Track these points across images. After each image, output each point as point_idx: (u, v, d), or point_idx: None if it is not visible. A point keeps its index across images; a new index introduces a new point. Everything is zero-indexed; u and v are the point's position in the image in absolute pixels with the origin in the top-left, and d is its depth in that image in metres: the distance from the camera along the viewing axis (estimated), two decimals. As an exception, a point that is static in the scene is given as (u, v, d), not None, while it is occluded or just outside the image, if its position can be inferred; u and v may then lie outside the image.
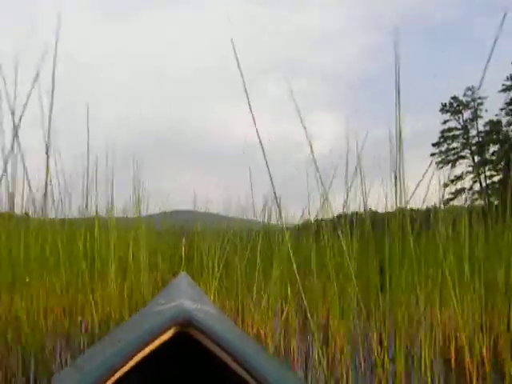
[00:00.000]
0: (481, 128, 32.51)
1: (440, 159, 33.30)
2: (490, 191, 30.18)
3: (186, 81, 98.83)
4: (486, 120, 32.09)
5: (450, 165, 32.91)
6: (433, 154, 33.26)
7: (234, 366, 0.93)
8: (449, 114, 33.14)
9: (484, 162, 31.66)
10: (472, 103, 32.43)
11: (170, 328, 0.97)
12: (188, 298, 1.25)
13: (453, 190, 30.55)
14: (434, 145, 33.25)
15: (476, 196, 30.19)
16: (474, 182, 31.92)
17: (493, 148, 32.17)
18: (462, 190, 31.93)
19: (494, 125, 31.58)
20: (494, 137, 31.38)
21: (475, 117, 32.41)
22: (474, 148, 32.49)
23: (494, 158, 31.78)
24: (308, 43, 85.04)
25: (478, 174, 31.53)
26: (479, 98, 32.27)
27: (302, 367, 2.82)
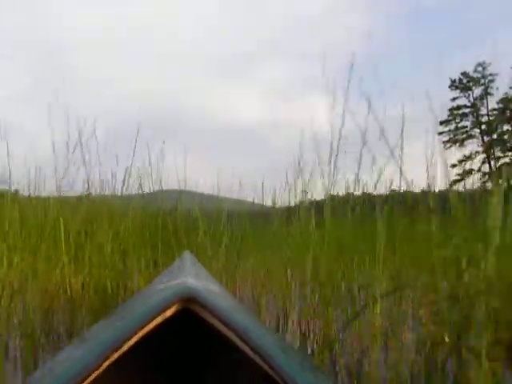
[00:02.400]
0: (491, 106, 30.94)
1: (448, 138, 32.14)
2: (498, 173, 29.27)
3: (176, 55, 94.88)
4: (497, 98, 30.47)
5: (457, 144, 31.82)
6: (440, 133, 32.14)
7: (239, 343, 0.90)
8: (458, 90, 31.51)
9: (497, 143, 30.40)
10: (483, 80, 30.63)
11: (173, 304, 0.94)
12: (192, 277, 1.21)
13: (460, 171, 30.09)
14: (441, 123, 31.96)
15: (486, 178, 29.32)
16: (483, 162, 30.86)
17: (505, 127, 30.74)
18: (471, 171, 31.13)
19: (508, 102, 29.95)
20: (508, 115, 29.89)
21: (485, 94, 30.75)
22: (483, 127, 31.11)
23: (505, 137, 30.46)
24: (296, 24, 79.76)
25: (488, 155, 30.43)
26: (490, 74, 30.46)
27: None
